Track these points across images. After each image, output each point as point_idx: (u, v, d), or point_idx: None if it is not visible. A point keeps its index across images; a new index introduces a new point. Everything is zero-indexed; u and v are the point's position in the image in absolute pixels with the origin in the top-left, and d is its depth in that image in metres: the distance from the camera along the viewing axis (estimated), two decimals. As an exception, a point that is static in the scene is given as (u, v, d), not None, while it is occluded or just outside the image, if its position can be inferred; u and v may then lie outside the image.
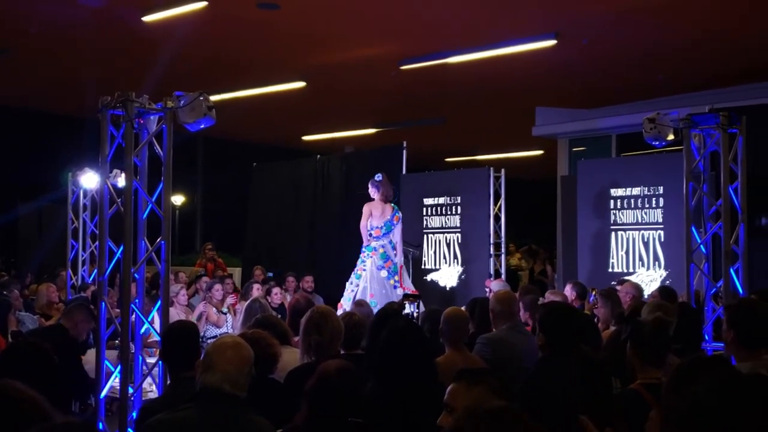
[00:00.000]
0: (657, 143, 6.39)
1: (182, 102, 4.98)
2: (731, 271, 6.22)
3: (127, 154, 4.96)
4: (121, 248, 4.95)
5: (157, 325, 5.28)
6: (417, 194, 10.81)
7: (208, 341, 6.87)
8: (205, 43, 10.00)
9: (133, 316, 5.03)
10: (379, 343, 3.67)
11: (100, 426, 4.97)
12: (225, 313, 8.19)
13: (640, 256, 8.83)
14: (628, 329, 3.74)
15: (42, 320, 7.95)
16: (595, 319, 6.41)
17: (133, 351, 5.04)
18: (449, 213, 10.48)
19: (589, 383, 3.26)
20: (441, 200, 10.57)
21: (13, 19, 9.35)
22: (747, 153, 6.42)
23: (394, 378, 3.47)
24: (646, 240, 8.79)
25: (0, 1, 8.77)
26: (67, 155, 12.31)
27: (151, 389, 5.29)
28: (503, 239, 10.36)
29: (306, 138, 16.19)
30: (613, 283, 7.75)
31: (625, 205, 9.00)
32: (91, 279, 9.83)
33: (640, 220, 8.86)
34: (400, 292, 8.55)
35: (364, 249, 8.79)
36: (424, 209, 10.71)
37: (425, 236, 10.63)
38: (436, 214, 10.60)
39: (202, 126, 5.08)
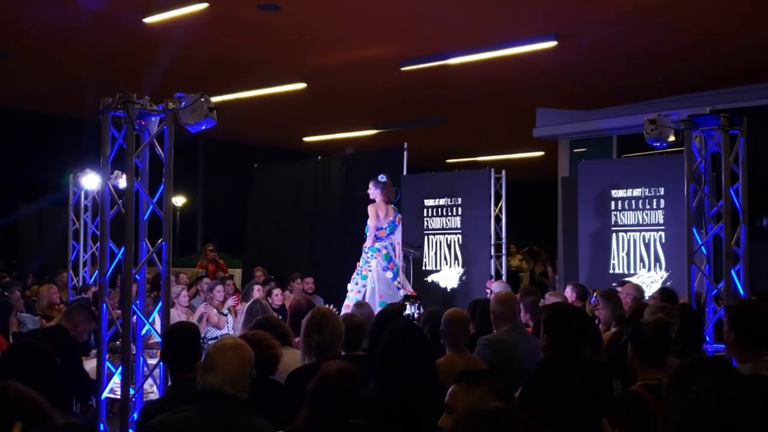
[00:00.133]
0: (658, 144, 6.39)
1: (183, 103, 4.99)
2: (732, 272, 6.22)
3: (129, 156, 4.97)
4: (122, 249, 4.95)
5: (158, 326, 5.29)
6: (418, 195, 10.80)
7: (209, 342, 6.87)
8: (206, 45, 10.01)
9: (134, 317, 5.03)
10: (379, 345, 3.67)
11: (101, 427, 4.98)
12: (225, 315, 8.19)
13: (641, 257, 8.82)
14: (629, 331, 3.74)
15: (43, 321, 7.96)
16: (596, 321, 6.41)
17: (134, 352, 5.04)
18: (450, 214, 10.48)
19: (590, 384, 3.27)
20: (442, 201, 10.57)
21: (14, 20, 9.36)
22: (748, 154, 6.43)
23: (395, 379, 3.47)
24: (647, 241, 8.79)
25: (1, 4, 8.78)
26: (68, 156, 12.33)
27: (152, 390, 5.30)
28: (504, 240, 10.36)
29: (307, 139, 16.20)
30: (614, 284, 7.75)
31: (626, 207, 8.99)
32: (92, 280, 9.84)
33: (641, 222, 8.86)
34: (402, 293, 8.56)
35: (367, 250, 8.76)
36: (425, 210, 10.70)
37: (426, 237, 10.63)
38: (437, 216, 10.59)
39: (203, 127, 5.09)
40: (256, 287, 8.87)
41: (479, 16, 8.71)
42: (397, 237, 8.93)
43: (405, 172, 11.18)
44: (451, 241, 10.42)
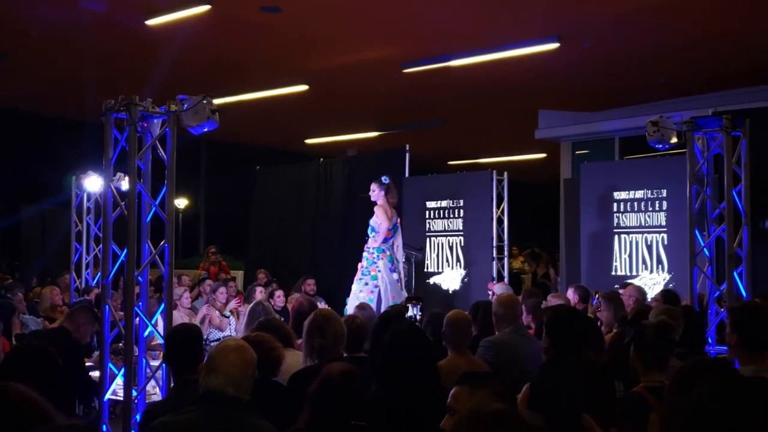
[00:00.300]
0: (660, 146, 6.39)
1: (186, 105, 5.00)
2: (735, 274, 6.22)
3: (131, 158, 4.98)
4: (125, 251, 4.96)
5: (160, 328, 5.29)
6: (420, 197, 10.81)
7: (212, 344, 6.88)
8: (208, 47, 10.03)
9: (137, 319, 5.03)
10: (381, 346, 3.67)
11: (104, 429, 4.98)
12: (228, 317, 8.19)
13: (643, 259, 8.82)
14: (631, 332, 3.74)
15: (46, 323, 7.97)
16: (598, 323, 6.40)
17: (136, 354, 5.04)
18: (452, 216, 10.48)
19: (592, 386, 3.27)
20: (444, 203, 10.58)
21: (16, 22, 9.38)
22: (750, 156, 6.43)
23: (397, 381, 3.47)
24: (649, 243, 8.78)
25: (3, 5, 8.80)
26: (70, 158, 12.34)
27: (154, 392, 5.30)
28: (506, 242, 10.37)
29: (308, 141, 16.21)
30: (616, 286, 7.74)
31: (629, 208, 8.99)
32: (94, 282, 9.85)
33: (643, 223, 8.86)
34: (404, 294, 8.56)
35: (372, 250, 8.73)
36: (427, 212, 10.71)
37: (428, 239, 10.64)
38: (439, 217, 10.60)
39: (205, 129, 5.10)
40: (258, 289, 8.87)
41: (481, 18, 8.72)
42: (398, 239, 8.94)
43: (407, 174, 11.19)
44: (453, 243, 10.42)
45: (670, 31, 8.87)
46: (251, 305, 6.19)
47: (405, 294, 8.60)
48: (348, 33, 9.44)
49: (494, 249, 10.08)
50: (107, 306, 5.02)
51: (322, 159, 13.53)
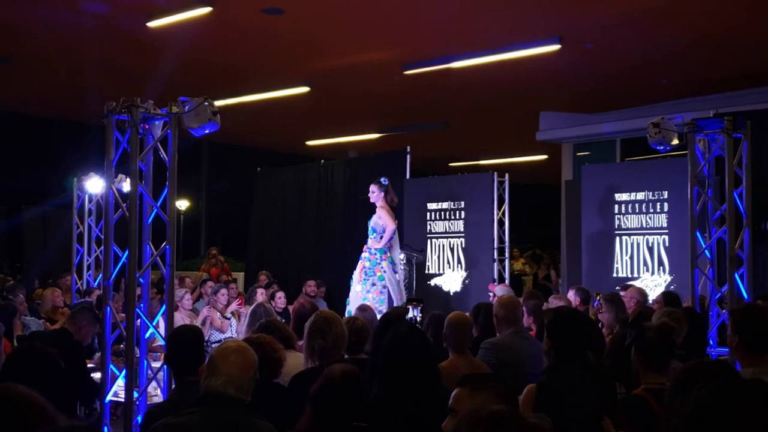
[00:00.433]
0: (661, 148, 6.39)
1: (187, 107, 5.01)
2: (736, 275, 6.22)
3: (133, 159, 4.99)
4: (126, 253, 4.97)
5: (162, 329, 5.29)
6: (420, 199, 10.82)
7: (213, 346, 6.88)
8: (210, 49, 10.03)
9: (138, 320, 5.04)
10: (382, 348, 3.67)
11: (105, 430, 4.99)
12: (228, 318, 8.19)
13: (644, 261, 8.82)
14: (632, 334, 3.73)
15: (47, 325, 7.98)
16: (599, 324, 6.40)
17: (138, 355, 5.05)
18: (453, 218, 10.48)
19: (596, 389, 3.27)
20: (445, 205, 10.58)
21: (18, 25, 9.39)
22: (751, 157, 6.43)
23: (398, 383, 3.47)
24: (650, 245, 8.78)
25: (4, 9, 8.81)
26: (72, 160, 12.35)
27: (155, 393, 5.31)
28: (507, 244, 10.36)
29: (310, 143, 16.22)
30: (617, 288, 7.74)
31: (630, 210, 8.99)
32: (96, 283, 9.86)
33: (644, 225, 8.86)
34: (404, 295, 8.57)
35: (375, 251, 8.72)
36: (428, 214, 10.72)
37: (429, 241, 10.64)
38: (440, 219, 10.60)
39: (206, 131, 5.11)
40: (260, 291, 8.87)
41: (482, 20, 8.72)
42: (396, 240, 8.96)
43: (408, 176, 11.19)
44: (453, 244, 10.42)
45: (672, 32, 8.87)
46: (252, 307, 6.19)
47: (405, 295, 8.61)
48: (349, 35, 9.45)
49: (495, 251, 10.07)
50: (109, 307, 5.03)
51: (323, 160, 13.54)
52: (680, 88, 11.05)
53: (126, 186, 6.67)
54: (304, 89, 11.48)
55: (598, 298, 7.03)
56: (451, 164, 17.60)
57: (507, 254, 10.44)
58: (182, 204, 19.79)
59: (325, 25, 9.02)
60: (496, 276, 9.99)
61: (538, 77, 10.90)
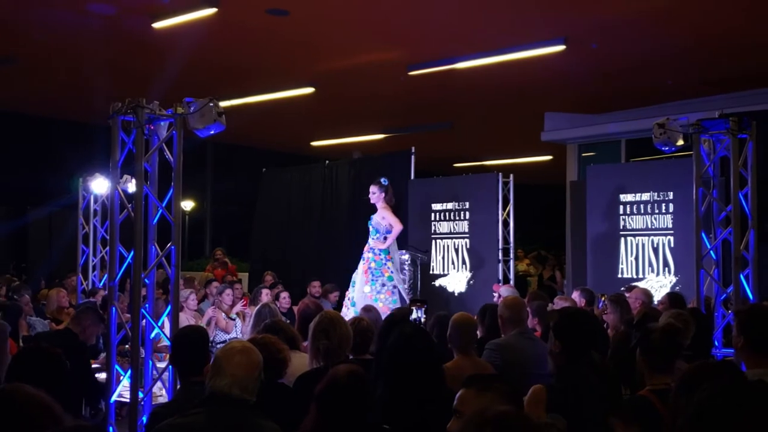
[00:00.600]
0: (667, 148, 6.38)
1: (192, 108, 5.02)
2: (741, 276, 6.20)
3: (138, 160, 5.00)
4: (132, 253, 4.98)
5: (167, 329, 5.31)
6: (425, 200, 10.82)
7: (218, 346, 6.89)
8: (215, 49, 10.05)
9: (144, 320, 5.05)
10: (387, 348, 3.67)
11: (111, 430, 5.00)
12: (234, 319, 8.20)
13: (649, 261, 8.80)
14: (637, 336, 3.73)
15: (52, 325, 8.00)
16: (605, 325, 6.40)
17: (143, 355, 5.06)
18: (457, 218, 10.48)
19: (605, 390, 3.27)
20: (449, 206, 10.57)
21: (24, 27, 9.42)
22: (757, 158, 6.41)
23: (403, 383, 3.47)
24: (655, 246, 8.76)
25: (9, 10, 8.83)
26: (77, 161, 12.37)
27: (161, 394, 5.32)
28: (512, 245, 10.35)
29: (314, 143, 16.23)
30: (622, 288, 7.73)
31: (635, 211, 8.98)
32: (101, 284, 9.88)
33: (649, 226, 8.84)
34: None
35: (379, 251, 8.72)
36: (433, 215, 10.71)
37: (433, 241, 10.64)
38: (445, 220, 10.60)
39: (211, 132, 5.12)
40: (264, 291, 8.87)
41: (487, 20, 8.72)
42: (394, 242, 8.98)
43: (412, 177, 11.19)
44: (458, 245, 10.42)
45: (677, 33, 8.86)
46: (257, 307, 6.20)
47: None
48: (354, 36, 9.45)
49: (500, 251, 10.07)
50: (114, 308, 5.04)
51: (327, 161, 13.54)
52: (685, 89, 11.03)
53: (131, 187, 6.69)
54: (309, 90, 11.49)
55: (603, 299, 7.02)
56: (455, 165, 17.60)
57: (512, 255, 10.43)
58: (187, 204, 19.81)
59: (330, 26, 9.03)
60: (500, 277, 9.98)
61: (543, 78, 10.89)
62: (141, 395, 4.92)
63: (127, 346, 5.49)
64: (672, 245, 8.61)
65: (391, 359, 3.58)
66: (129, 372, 4.96)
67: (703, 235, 6.36)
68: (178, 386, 4.13)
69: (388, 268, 8.69)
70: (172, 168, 5.13)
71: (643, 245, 8.86)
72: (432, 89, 11.54)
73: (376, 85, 11.43)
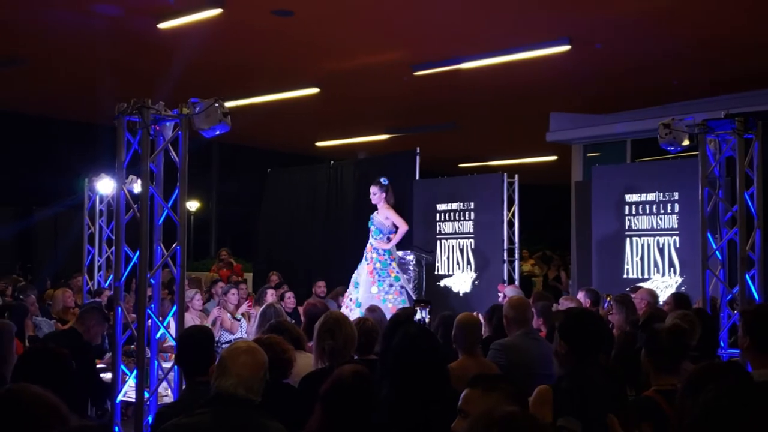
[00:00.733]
0: (672, 149, 6.37)
1: (197, 108, 5.03)
2: (747, 277, 6.19)
3: (143, 161, 5.01)
4: (137, 253, 4.99)
5: (172, 329, 5.31)
6: (430, 200, 10.81)
7: (223, 346, 6.90)
8: (220, 50, 10.06)
9: (149, 320, 5.06)
10: (392, 349, 3.67)
11: (116, 430, 5.01)
12: (239, 320, 8.20)
13: (655, 262, 8.78)
14: (643, 337, 3.71)
15: (58, 325, 8.02)
16: (610, 326, 6.38)
17: (148, 355, 5.07)
18: (462, 219, 10.47)
19: (613, 391, 3.27)
20: (454, 206, 10.57)
21: (29, 28, 9.45)
22: (763, 158, 6.40)
23: (408, 383, 3.47)
24: (661, 246, 8.74)
25: (15, 10, 8.86)
26: (83, 161, 12.42)
27: (166, 394, 5.33)
28: (517, 245, 10.34)
29: (319, 144, 16.25)
30: (627, 289, 7.71)
31: (640, 211, 8.96)
32: (107, 284, 9.91)
33: (655, 226, 8.82)
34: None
35: (383, 252, 8.71)
36: (437, 215, 10.71)
37: (438, 242, 10.63)
38: (449, 220, 10.59)
39: (217, 132, 5.13)
40: (270, 291, 8.87)
41: (491, 21, 8.72)
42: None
43: (417, 177, 11.19)
44: (463, 245, 10.41)
45: (682, 33, 8.84)
46: (263, 307, 6.21)
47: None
48: (359, 36, 9.46)
49: (505, 252, 10.06)
50: (120, 308, 5.05)
51: (332, 161, 13.55)
52: (691, 89, 11.01)
53: (137, 187, 6.71)
54: (314, 90, 11.50)
55: (608, 299, 7.01)
56: (460, 165, 17.59)
57: (517, 255, 10.42)
58: (193, 205, 19.84)
59: (335, 27, 9.03)
60: (505, 277, 9.97)
61: (548, 78, 10.88)
62: (146, 395, 4.93)
63: (132, 346, 5.50)
64: (677, 245, 8.59)
65: (396, 359, 3.58)
66: (135, 372, 4.97)
67: (709, 235, 6.34)
68: (184, 386, 4.14)
69: (394, 268, 8.69)
70: (177, 168, 5.14)
71: (649, 245, 8.84)
72: (437, 89, 11.53)
73: (380, 85, 11.43)
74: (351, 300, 8.73)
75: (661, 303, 6.97)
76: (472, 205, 10.39)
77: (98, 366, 6.13)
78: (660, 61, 9.94)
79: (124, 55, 10.35)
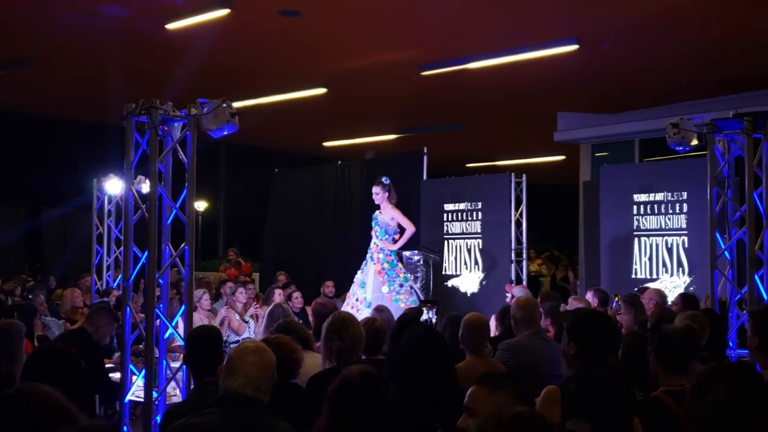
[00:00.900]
0: (681, 148, 6.35)
1: (206, 109, 5.04)
2: (756, 277, 6.16)
3: (152, 161, 5.02)
4: (146, 254, 5.00)
5: (181, 329, 5.33)
6: (438, 200, 10.81)
7: (231, 346, 6.91)
8: (228, 50, 10.09)
9: (158, 320, 5.07)
10: (399, 349, 3.67)
11: (125, 430, 5.02)
12: (247, 322, 8.20)
13: (663, 262, 8.75)
14: (655, 340, 3.69)
15: (67, 325, 8.05)
16: (618, 326, 6.36)
17: (157, 355, 5.08)
18: (470, 219, 10.46)
19: (623, 392, 3.26)
20: (462, 206, 10.56)
21: (38, 28, 9.49)
22: (772, 158, 6.36)
23: (415, 383, 3.47)
24: (669, 246, 8.72)
25: (24, 11, 8.90)
26: (91, 162, 12.46)
27: (174, 393, 5.34)
28: (524, 245, 10.33)
29: (327, 144, 16.26)
30: (635, 289, 7.69)
31: (649, 211, 8.93)
32: (115, 284, 9.93)
33: (663, 226, 8.79)
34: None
35: (389, 252, 8.71)
36: (445, 215, 10.70)
37: (446, 242, 10.63)
38: (457, 220, 10.59)
39: (225, 132, 5.14)
40: (277, 291, 8.88)
41: (499, 20, 8.71)
42: None
43: (425, 177, 11.19)
44: (471, 245, 10.40)
45: (690, 32, 8.81)
46: (270, 307, 6.21)
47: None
48: (366, 36, 9.46)
49: (512, 252, 10.04)
50: (128, 308, 5.07)
51: (340, 162, 13.56)
52: (699, 89, 10.97)
53: (145, 187, 6.72)
54: (322, 90, 11.51)
55: (616, 299, 6.99)
56: (468, 165, 17.58)
57: (524, 255, 10.40)
58: (201, 205, 19.89)
59: (343, 27, 9.04)
60: (513, 277, 9.96)
61: (556, 77, 10.86)
62: (155, 395, 4.94)
63: (141, 346, 5.51)
64: (686, 245, 8.56)
65: (403, 360, 3.58)
66: (143, 372, 4.99)
67: (718, 235, 6.32)
68: (192, 386, 4.15)
69: (401, 268, 8.69)
70: (185, 169, 5.15)
71: (657, 245, 8.81)
72: (444, 89, 11.53)
73: (388, 85, 11.43)
74: (358, 300, 8.72)
75: (669, 303, 6.94)
76: (480, 205, 10.38)
77: (107, 366, 6.15)
78: (668, 60, 9.91)
79: (132, 56, 10.38)
